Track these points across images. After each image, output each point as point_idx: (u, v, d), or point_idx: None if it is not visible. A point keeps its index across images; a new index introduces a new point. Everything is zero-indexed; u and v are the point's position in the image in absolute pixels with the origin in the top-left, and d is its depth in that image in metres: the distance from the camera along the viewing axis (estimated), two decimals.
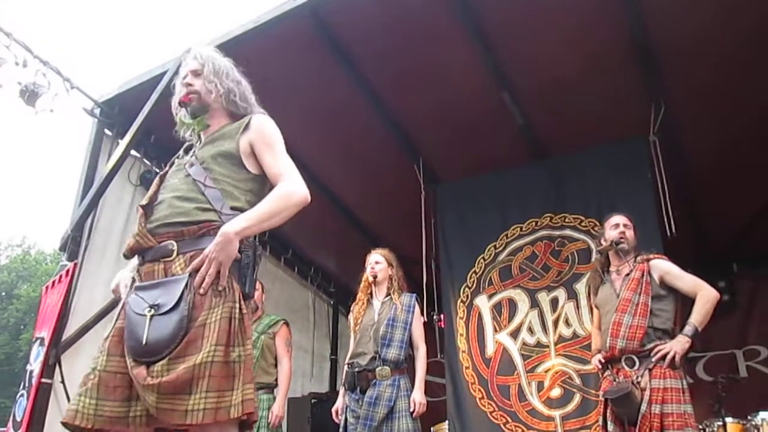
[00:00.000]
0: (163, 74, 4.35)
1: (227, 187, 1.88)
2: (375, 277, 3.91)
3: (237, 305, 1.72)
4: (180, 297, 1.66)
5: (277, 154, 1.97)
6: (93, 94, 4.83)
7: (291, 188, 1.89)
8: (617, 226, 3.48)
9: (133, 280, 1.82)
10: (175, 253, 1.76)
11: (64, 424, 1.64)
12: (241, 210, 1.85)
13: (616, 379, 3.20)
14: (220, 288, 1.70)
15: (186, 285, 1.68)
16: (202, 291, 1.68)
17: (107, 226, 4.76)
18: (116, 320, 1.76)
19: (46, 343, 4.15)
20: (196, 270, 1.71)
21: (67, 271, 4.37)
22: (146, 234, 1.81)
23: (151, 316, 1.65)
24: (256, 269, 1.85)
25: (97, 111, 4.87)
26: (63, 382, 4.17)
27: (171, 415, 1.57)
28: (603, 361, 3.36)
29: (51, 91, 4.30)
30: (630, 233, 3.47)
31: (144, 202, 1.93)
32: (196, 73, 2.08)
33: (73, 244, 4.50)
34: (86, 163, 4.80)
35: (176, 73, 2.17)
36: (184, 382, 1.57)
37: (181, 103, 2.07)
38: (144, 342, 1.62)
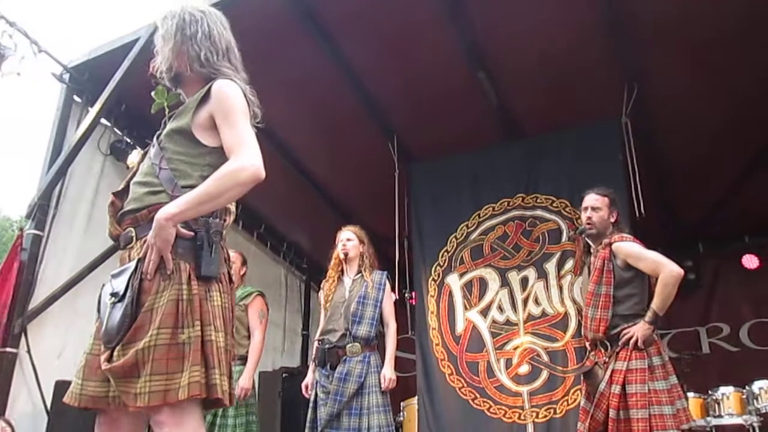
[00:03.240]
0: (135, 41, 4.25)
1: (180, 166, 1.80)
2: (346, 254, 3.91)
3: (184, 287, 1.68)
4: (127, 284, 1.67)
5: (233, 124, 1.78)
6: (62, 59, 4.70)
7: (239, 164, 1.71)
8: (585, 210, 3.42)
9: None
10: (134, 239, 1.77)
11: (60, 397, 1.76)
12: (194, 187, 1.75)
13: (596, 360, 3.30)
14: (168, 272, 1.68)
15: (133, 272, 1.68)
16: (148, 277, 1.67)
17: (76, 195, 4.68)
18: None
19: None
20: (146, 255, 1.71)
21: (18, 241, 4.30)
22: (114, 223, 1.84)
23: (112, 303, 1.68)
24: (213, 248, 1.74)
25: (66, 76, 4.75)
26: (29, 351, 4.13)
27: (127, 397, 1.61)
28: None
29: (18, 53, 4.17)
30: (598, 215, 3.37)
31: (120, 187, 1.91)
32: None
33: (40, 212, 4.42)
34: (54, 130, 4.69)
35: (149, 40, 2.07)
36: (131, 366, 1.59)
37: (151, 75, 1.95)
38: (104, 329, 1.68)
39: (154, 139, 1.91)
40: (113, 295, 1.69)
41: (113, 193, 1.88)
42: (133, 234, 1.76)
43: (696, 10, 3.93)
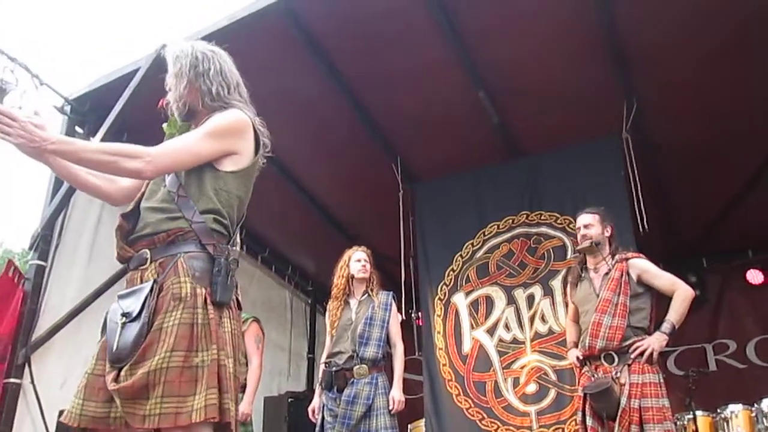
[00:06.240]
0: (135, 71, 4.28)
1: (197, 192, 1.85)
2: (366, 276, 3.92)
3: (200, 310, 1.71)
4: (143, 304, 1.70)
5: (197, 131, 1.87)
6: (63, 92, 4.76)
7: (142, 160, 1.75)
8: (579, 229, 3.57)
9: None
10: (148, 261, 1.79)
11: (63, 424, 1.73)
12: (214, 211, 1.83)
13: (595, 375, 3.24)
14: (182, 294, 1.71)
15: (150, 291, 1.71)
16: None
17: (78, 226, 4.69)
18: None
19: None
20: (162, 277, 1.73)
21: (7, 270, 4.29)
22: (123, 246, 1.85)
23: (122, 323, 1.70)
24: (230, 275, 1.81)
25: (68, 108, 4.80)
26: (33, 382, 4.11)
27: (133, 418, 1.62)
28: (581, 357, 3.40)
29: (19, 87, 4.19)
30: (592, 231, 3.50)
31: (129, 208, 1.92)
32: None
33: (43, 243, 4.43)
34: None
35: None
36: (141, 387, 1.61)
37: (160, 109, 2.02)
38: (114, 348, 1.68)
39: None
40: (125, 315, 1.70)
41: (122, 215, 1.90)
42: (148, 256, 1.79)
43: (692, 29, 3.97)
